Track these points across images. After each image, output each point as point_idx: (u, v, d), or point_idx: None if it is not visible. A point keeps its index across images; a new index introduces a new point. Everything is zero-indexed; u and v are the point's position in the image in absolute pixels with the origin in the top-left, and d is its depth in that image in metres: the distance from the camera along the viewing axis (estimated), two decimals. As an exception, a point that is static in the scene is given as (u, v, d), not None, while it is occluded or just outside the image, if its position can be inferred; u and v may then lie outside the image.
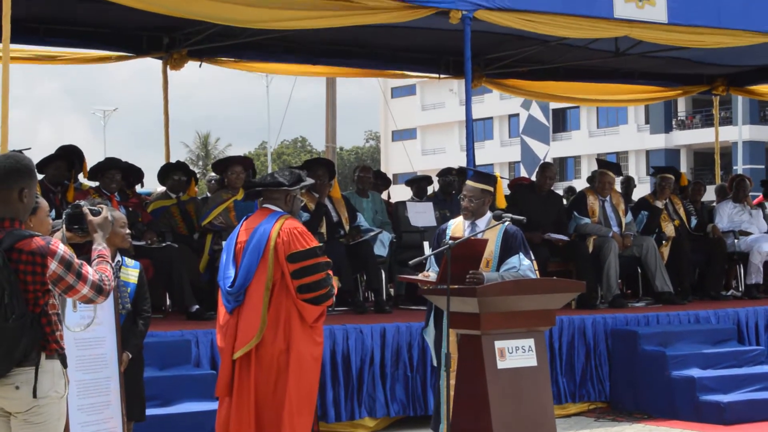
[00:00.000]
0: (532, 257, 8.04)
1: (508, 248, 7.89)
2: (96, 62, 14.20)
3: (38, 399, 5.05)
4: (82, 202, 5.79)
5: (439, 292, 7.62)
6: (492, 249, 7.88)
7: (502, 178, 9.05)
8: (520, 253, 7.88)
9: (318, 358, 7.42)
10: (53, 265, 5.04)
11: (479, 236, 7.81)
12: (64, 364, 5.21)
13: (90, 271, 5.17)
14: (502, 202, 8.41)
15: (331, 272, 7.43)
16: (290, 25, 11.27)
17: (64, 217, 5.76)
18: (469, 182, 8.16)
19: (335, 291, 7.52)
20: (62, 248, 5.10)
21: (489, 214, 8.07)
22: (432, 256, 8.01)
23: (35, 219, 5.55)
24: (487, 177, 8.21)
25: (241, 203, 11.37)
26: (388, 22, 11.11)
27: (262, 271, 7.28)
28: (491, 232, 7.92)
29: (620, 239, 13.04)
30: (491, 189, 8.10)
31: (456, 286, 7.48)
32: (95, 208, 5.72)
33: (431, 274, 7.96)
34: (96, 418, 6.94)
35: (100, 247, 5.50)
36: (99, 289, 5.18)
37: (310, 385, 7.35)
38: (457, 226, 8.17)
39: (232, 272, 7.40)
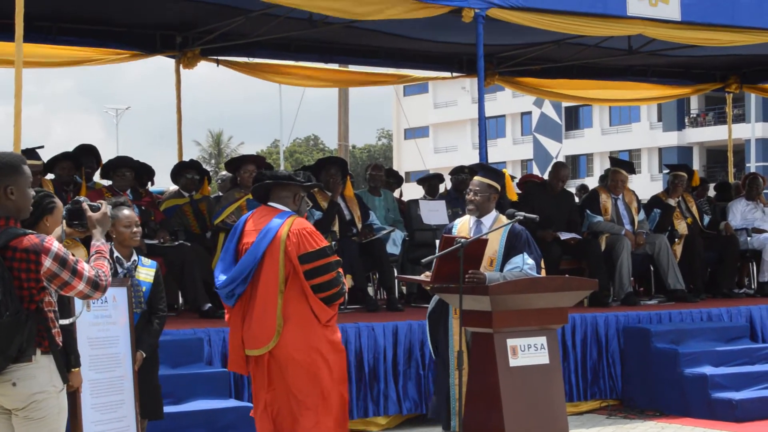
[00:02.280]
0: (540, 254, 8.01)
1: (512, 247, 7.87)
2: (108, 62, 14.19)
3: (36, 394, 5.07)
4: (82, 198, 5.82)
5: (450, 290, 7.62)
6: (496, 248, 7.86)
7: (512, 177, 9.03)
8: (524, 253, 7.84)
9: (340, 354, 7.38)
10: (47, 263, 5.06)
11: (486, 237, 7.78)
12: (71, 362, 5.23)
13: (86, 268, 5.18)
14: (512, 195, 8.38)
15: (341, 270, 7.42)
16: (304, 4, 10.94)
17: (64, 212, 5.80)
18: (476, 177, 8.16)
19: (347, 289, 7.52)
20: (56, 245, 5.11)
21: (495, 213, 8.05)
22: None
23: (51, 218, 5.59)
24: (494, 173, 8.19)
25: (254, 202, 11.35)
26: (401, 17, 11.04)
27: (271, 272, 7.23)
28: (497, 230, 7.89)
29: (633, 237, 13.01)
30: (498, 186, 8.09)
31: (452, 285, 7.48)
32: (95, 204, 5.76)
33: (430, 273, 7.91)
34: (110, 416, 6.97)
35: (98, 243, 5.53)
36: (95, 285, 5.19)
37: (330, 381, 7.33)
38: (463, 225, 8.15)
39: (224, 276, 7.38)
